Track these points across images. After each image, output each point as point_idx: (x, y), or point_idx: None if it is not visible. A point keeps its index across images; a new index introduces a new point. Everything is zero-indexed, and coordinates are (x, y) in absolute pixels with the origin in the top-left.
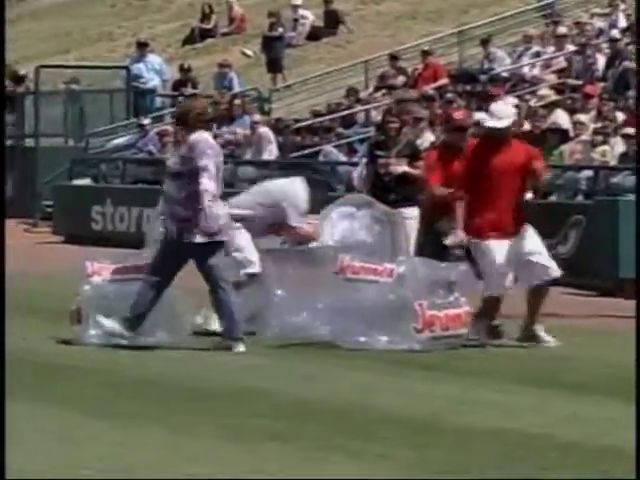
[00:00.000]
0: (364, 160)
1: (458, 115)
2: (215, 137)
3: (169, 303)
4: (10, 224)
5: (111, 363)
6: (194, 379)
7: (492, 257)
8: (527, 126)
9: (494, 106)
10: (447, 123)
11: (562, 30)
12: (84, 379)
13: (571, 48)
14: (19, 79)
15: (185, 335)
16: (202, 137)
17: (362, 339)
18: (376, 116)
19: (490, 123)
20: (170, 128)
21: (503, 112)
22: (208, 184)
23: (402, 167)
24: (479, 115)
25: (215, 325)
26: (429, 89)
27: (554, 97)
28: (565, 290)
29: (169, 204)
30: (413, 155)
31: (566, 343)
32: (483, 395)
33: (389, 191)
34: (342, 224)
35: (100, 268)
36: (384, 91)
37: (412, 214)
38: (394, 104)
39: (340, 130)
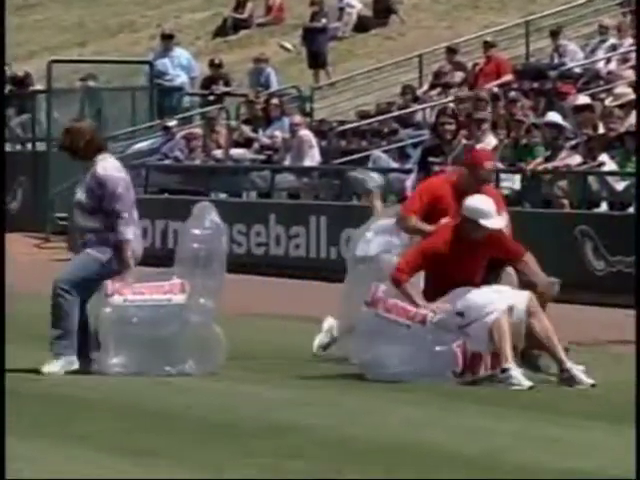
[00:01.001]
0: (417, 167)
1: (488, 165)
2: (251, 141)
3: (199, 332)
4: (18, 238)
5: (134, 395)
6: (225, 412)
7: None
8: (601, 129)
9: (480, 202)
10: (472, 167)
11: None
12: (104, 413)
13: None
14: (20, 82)
15: (216, 366)
16: (109, 170)
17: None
18: (431, 117)
19: (487, 223)
20: (199, 131)
21: (491, 208)
22: (127, 232)
23: None
24: (552, 116)
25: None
26: (491, 86)
27: (632, 96)
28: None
29: (80, 233)
30: None
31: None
32: (546, 430)
33: None
34: (379, 239)
35: (122, 287)
36: (440, 89)
37: None
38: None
39: (391, 133)
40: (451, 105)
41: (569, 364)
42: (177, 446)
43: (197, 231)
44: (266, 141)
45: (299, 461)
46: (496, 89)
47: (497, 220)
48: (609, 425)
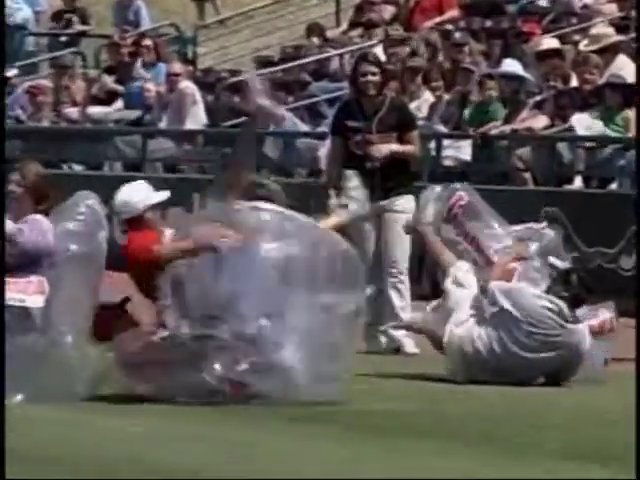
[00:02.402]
0: (332, 132)
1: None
2: (116, 96)
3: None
4: None
5: None
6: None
7: None
8: (574, 82)
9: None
10: None
11: None
12: None
13: None
14: None
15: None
16: None
17: None
18: (350, 65)
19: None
20: (48, 83)
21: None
22: None
23: (387, 146)
24: (509, 64)
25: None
26: (431, 25)
27: (615, 37)
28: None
29: None
30: (403, 125)
31: None
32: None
33: (370, 178)
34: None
35: None
36: (362, 29)
37: (405, 206)
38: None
39: (300, 86)
40: (375, 50)
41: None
42: None
43: (71, 226)
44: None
45: None
46: (436, 29)
47: None
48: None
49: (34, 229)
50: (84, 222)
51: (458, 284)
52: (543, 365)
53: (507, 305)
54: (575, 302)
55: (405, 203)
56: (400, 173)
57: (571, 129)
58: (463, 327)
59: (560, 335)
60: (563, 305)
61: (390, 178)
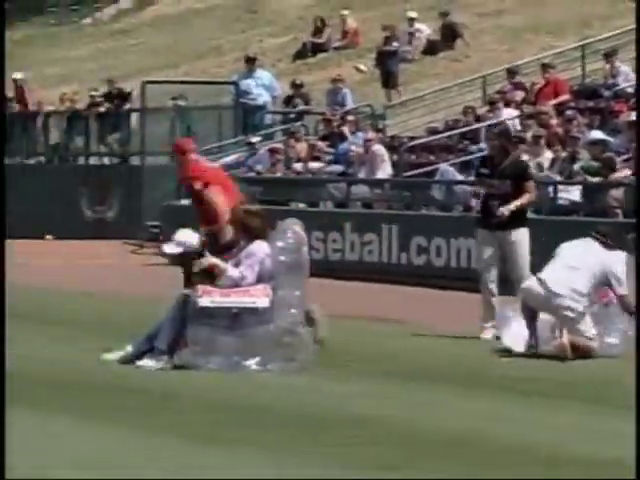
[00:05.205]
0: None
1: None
2: (328, 155)
3: (284, 335)
4: (115, 245)
5: (220, 390)
6: (304, 406)
7: None
8: None
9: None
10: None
11: None
12: (193, 406)
13: None
14: (124, 96)
15: (301, 365)
16: None
17: None
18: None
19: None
20: (281, 146)
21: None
22: None
23: (508, 208)
24: (594, 133)
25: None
26: (550, 105)
27: None
28: None
29: None
30: (518, 175)
31: None
32: (603, 423)
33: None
34: None
35: (210, 289)
36: (500, 107)
37: (517, 237)
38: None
39: (459, 148)
40: (501, 126)
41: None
42: (259, 436)
43: (281, 244)
44: (341, 155)
45: (370, 448)
46: (554, 108)
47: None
48: None
49: (253, 265)
50: (291, 240)
51: None
52: None
53: None
54: None
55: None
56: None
57: None
58: None
59: None
60: None
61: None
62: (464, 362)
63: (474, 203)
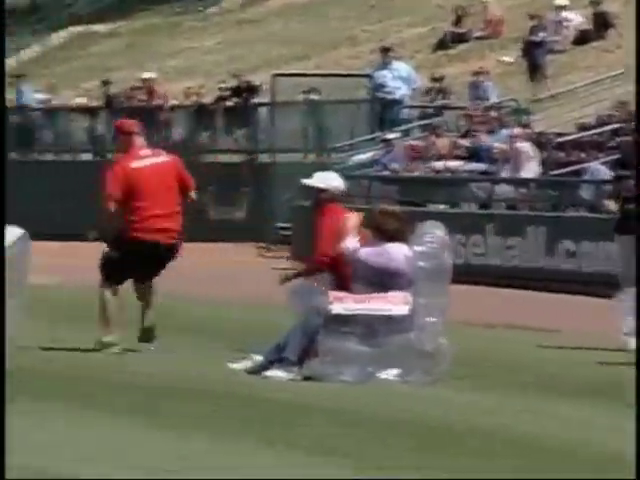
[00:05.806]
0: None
1: None
2: (468, 152)
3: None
4: (244, 247)
5: (346, 400)
6: (438, 419)
7: None
8: None
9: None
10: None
11: None
12: (318, 419)
13: None
14: (253, 90)
15: (438, 376)
16: None
17: None
18: None
19: None
20: (420, 143)
21: None
22: None
23: None
24: None
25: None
26: None
27: None
28: None
29: None
30: None
31: None
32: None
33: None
34: None
35: (343, 295)
36: None
37: None
38: None
39: (610, 145)
40: None
41: None
42: (390, 453)
43: (421, 248)
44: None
45: (478, 460)
46: None
47: None
48: None
49: (383, 254)
50: (432, 245)
51: None
52: None
53: None
54: None
55: None
56: None
57: None
58: None
59: None
60: None
61: None
62: (611, 373)
63: (612, 206)
